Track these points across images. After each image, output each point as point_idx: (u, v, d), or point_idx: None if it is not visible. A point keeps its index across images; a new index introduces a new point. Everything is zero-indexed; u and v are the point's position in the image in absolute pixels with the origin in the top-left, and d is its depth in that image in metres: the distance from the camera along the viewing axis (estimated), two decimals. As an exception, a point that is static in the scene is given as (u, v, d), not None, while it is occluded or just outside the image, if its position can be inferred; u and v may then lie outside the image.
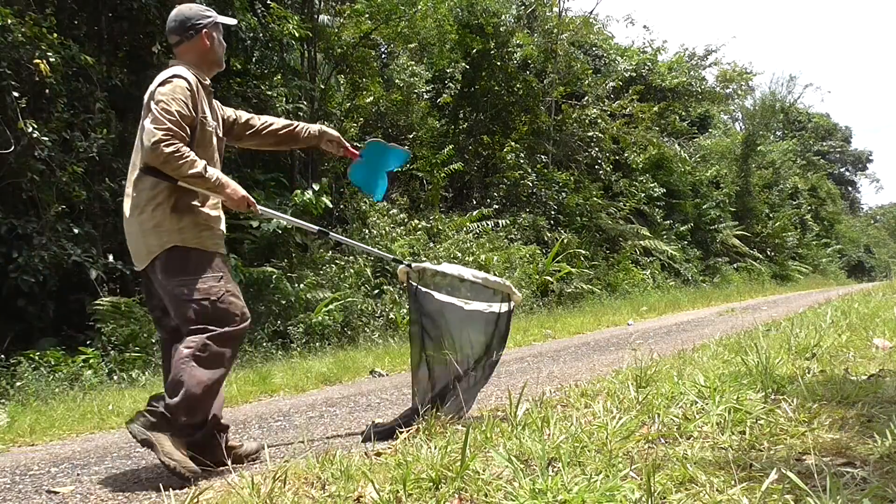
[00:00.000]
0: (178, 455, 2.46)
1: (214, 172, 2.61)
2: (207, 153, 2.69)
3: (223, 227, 2.79)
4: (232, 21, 2.94)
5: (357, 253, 9.48)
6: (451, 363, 2.97)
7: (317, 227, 3.20)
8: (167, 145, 2.45)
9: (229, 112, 2.98)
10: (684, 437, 2.14)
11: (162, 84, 2.59)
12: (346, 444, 2.93)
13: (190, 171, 2.50)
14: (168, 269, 2.59)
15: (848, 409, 2.30)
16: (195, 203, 2.64)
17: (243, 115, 3.04)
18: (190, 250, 2.60)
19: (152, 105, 2.53)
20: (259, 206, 2.84)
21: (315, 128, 3.17)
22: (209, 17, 2.78)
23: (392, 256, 3.78)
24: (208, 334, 2.55)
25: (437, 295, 3.08)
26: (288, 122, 3.15)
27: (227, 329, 2.60)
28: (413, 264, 3.17)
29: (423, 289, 3.09)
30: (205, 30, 2.75)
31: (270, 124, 3.09)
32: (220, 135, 2.87)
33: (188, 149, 2.53)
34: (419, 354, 3.04)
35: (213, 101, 2.82)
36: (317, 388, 5.18)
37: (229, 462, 2.53)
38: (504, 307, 3.26)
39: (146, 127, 2.50)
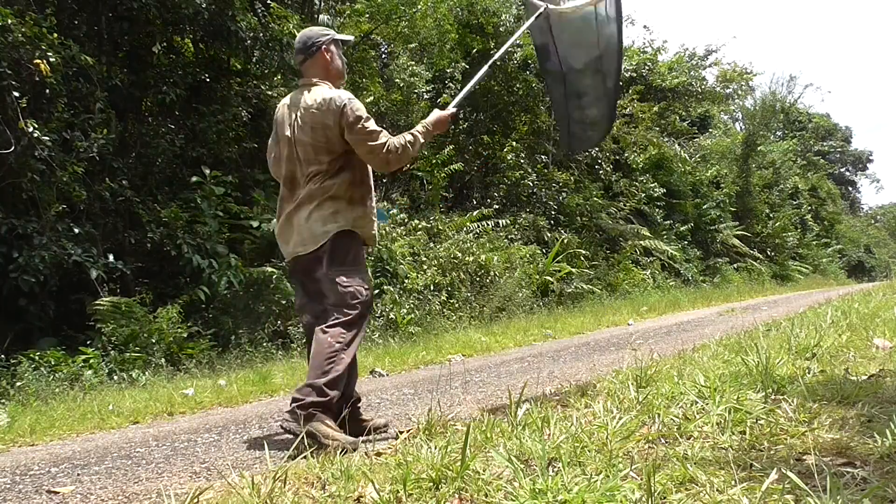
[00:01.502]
0: (338, 434, 2.75)
1: (415, 133, 3.07)
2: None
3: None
4: (349, 38, 3.34)
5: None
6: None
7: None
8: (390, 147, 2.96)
9: None
10: (684, 437, 2.14)
11: (329, 103, 2.94)
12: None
13: (415, 148, 3.03)
14: (334, 255, 2.93)
15: (848, 409, 2.30)
16: (365, 197, 3.09)
17: None
18: (356, 236, 3.01)
19: (360, 123, 2.92)
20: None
21: None
22: (327, 34, 3.12)
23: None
24: (351, 316, 2.89)
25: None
26: None
27: (364, 312, 2.96)
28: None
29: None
30: (324, 46, 3.07)
31: None
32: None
33: (394, 137, 3.00)
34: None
35: None
36: (317, 388, 5.17)
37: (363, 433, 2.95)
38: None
39: (370, 145, 2.94)
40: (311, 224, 2.94)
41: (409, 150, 2.98)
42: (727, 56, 64.36)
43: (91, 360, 6.00)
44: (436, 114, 3.14)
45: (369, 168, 3.11)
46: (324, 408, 2.77)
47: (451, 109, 3.20)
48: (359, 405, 3.15)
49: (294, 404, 2.80)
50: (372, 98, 12.10)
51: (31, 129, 6.23)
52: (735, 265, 20.99)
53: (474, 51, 14.04)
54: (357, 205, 3.02)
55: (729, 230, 21.59)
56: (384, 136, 2.94)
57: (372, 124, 2.95)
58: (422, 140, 3.04)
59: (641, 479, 1.66)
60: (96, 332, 6.46)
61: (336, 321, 2.87)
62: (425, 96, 13.85)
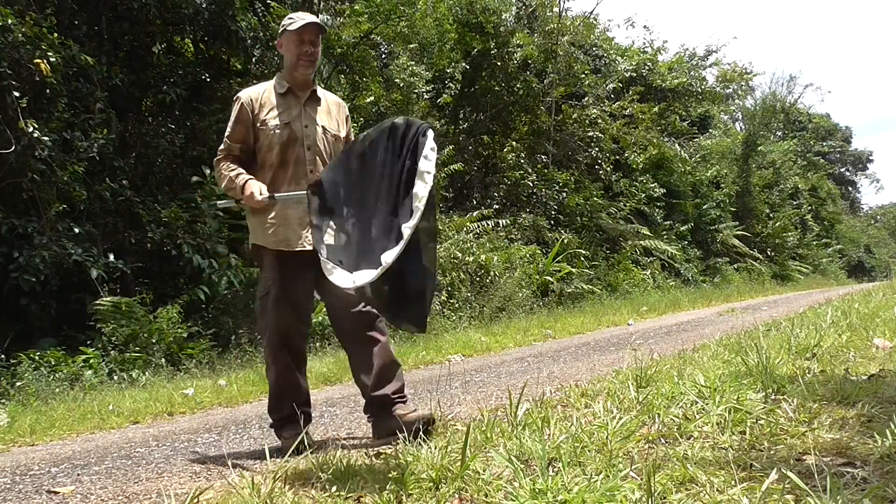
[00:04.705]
0: (415, 416, 2.77)
1: (231, 177, 2.93)
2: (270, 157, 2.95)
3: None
4: (301, 24, 2.93)
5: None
6: None
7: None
8: None
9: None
10: (684, 437, 2.14)
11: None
12: (347, 444, 2.93)
13: (221, 184, 3.03)
14: None
15: (848, 409, 2.30)
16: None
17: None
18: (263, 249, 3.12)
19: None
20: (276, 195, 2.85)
21: None
22: (283, 25, 2.99)
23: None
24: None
25: None
26: None
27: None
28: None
29: None
30: (280, 39, 3.01)
31: None
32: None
33: (223, 161, 2.97)
34: None
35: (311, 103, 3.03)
36: (317, 388, 5.18)
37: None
38: None
39: None
40: None
41: (220, 179, 2.95)
42: (727, 56, 64.34)
43: (91, 360, 6.01)
44: (254, 186, 2.78)
45: (283, 168, 2.91)
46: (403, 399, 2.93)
47: (268, 198, 2.78)
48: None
49: (397, 396, 2.88)
50: (372, 98, 12.10)
51: (31, 129, 6.24)
52: (735, 265, 20.99)
53: (474, 51, 14.04)
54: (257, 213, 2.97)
55: (729, 230, 21.59)
56: (220, 154, 2.97)
57: (226, 134, 2.97)
58: (224, 185, 2.91)
59: (641, 479, 1.67)
60: (96, 332, 6.47)
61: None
62: (425, 96, 13.85)
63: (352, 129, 3.18)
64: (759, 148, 25.08)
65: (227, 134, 2.96)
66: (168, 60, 8.71)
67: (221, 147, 2.97)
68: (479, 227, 12.30)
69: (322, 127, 2.98)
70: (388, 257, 2.16)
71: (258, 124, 2.92)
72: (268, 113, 2.93)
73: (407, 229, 2.16)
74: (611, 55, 18.79)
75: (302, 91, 2.99)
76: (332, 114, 3.06)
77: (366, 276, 2.22)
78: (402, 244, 2.15)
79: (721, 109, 25.98)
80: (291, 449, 2.37)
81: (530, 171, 14.44)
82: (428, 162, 2.29)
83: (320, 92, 3.07)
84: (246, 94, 2.96)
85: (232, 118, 2.95)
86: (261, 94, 2.96)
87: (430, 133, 2.36)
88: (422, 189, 2.24)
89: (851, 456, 1.82)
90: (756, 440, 2.03)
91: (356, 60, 11.27)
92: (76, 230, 6.76)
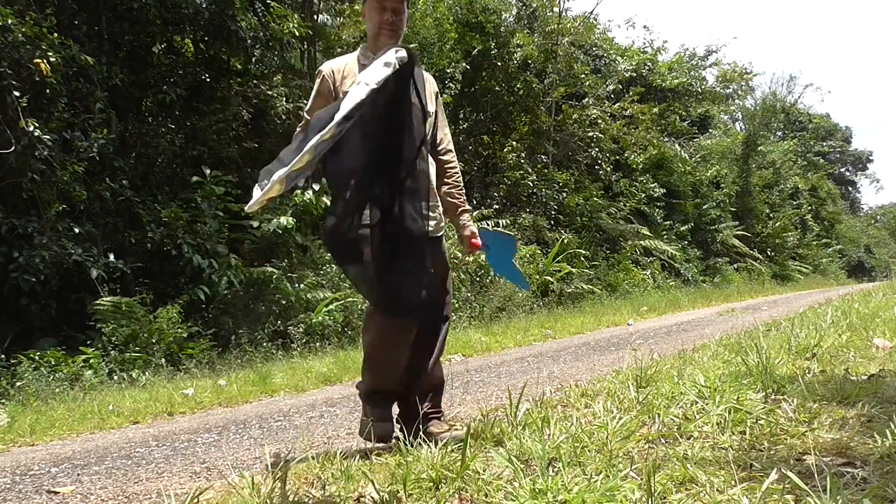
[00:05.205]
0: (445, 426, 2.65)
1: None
2: None
3: None
4: None
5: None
6: None
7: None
8: None
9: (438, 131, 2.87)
10: (684, 437, 2.13)
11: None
12: (347, 444, 2.93)
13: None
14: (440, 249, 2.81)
15: (848, 409, 2.30)
16: None
17: (443, 140, 2.89)
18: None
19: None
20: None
21: (464, 217, 2.94)
22: None
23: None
24: None
25: None
26: (456, 185, 2.90)
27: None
28: None
29: None
30: (363, 7, 2.76)
31: (445, 170, 2.88)
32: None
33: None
34: None
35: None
36: (317, 388, 5.18)
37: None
38: None
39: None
40: None
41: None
42: (727, 56, 64.35)
43: (91, 360, 6.01)
44: None
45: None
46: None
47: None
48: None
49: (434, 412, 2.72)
50: (372, 98, 12.08)
51: (31, 129, 6.24)
52: (735, 265, 20.99)
53: (474, 51, 14.03)
54: None
55: (729, 230, 21.59)
56: (299, 129, 2.52)
57: (306, 109, 2.79)
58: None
59: (641, 479, 1.66)
60: (96, 331, 6.47)
61: None
62: (425, 96, 13.83)
63: (442, 108, 2.91)
64: (759, 148, 25.08)
65: (306, 108, 2.81)
66: (168, 60, 8.71)
67: (301, 123, 2.68)
68: (479, 227, 12.29)
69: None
70: (288, 158, 2.04)
71: (340, 96, 2.61)
72: (350, 84, 2.63)
73: (317, 137, 2.02)
74: (611, 55, 18.79)
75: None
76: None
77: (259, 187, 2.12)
78: (306, 147, 2.01)
79: (721, 109, 25.96)
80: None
81: (530, 171, 14.44)
82: (374, 71, 2.15)
83: None
84: (328, 67, 2.78)
85: (313, 92, 2.77)
86: (343, 66, 2.76)
87: (400, 52, 2.22)
88: (352, 93, 2.12)
89: (851, 456, 1.82)
90: (756, 440, 2.03)
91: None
92: (76, 230, 6.76)
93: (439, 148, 2.84)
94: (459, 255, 10.48)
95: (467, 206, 2.94)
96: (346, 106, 2.10)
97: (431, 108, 2.76)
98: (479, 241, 2.89)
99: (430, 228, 2.62)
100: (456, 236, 3.09)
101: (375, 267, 2.37)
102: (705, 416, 2.29)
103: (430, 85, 2.81)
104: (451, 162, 2.88)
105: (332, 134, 2.06)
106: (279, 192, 2.14)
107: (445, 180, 2.87)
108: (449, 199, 2.88)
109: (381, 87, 2.18)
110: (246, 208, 2.29)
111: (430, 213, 2.62)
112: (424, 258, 2.47)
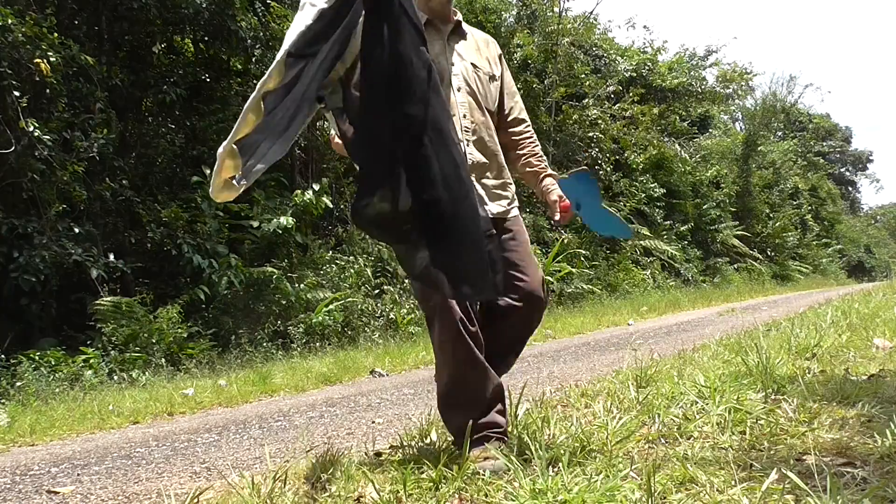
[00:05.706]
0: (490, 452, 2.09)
1: None
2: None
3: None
4: None
5: (357, 254, 9.49)
6: None
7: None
8: None
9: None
10: (684, 437, 2.13)
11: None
12: (347, 444, 2.93)
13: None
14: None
15: (848, 409, 2.30)
16: None
17: (514, 109, 2.59)
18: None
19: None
20: None
21: (546, 182, 2.58)
22: None
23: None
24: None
25: None
26: (533, 153, 2.60)
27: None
28: None
29: None
30: None
31: (518, 143, 2.59)
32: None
33: None
34: None
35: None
36: (317, 388, 5.18)
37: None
38: None
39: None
40: None
41: None
42: (727, 56, 64.37)
43: (91, 360, 6.01)
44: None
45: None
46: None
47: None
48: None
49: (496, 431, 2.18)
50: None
51: (31, 129, 6.24)
52: (735, 265, 20.98)
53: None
54: None
55: (729, 230, 21.58)
56: None
57: None
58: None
59: (641, 479, 1.66)
60: (97, 331, 6.47)
61: None
62: (425, 96, 13.84)
63: (509, 73, 2.58)
64: (759, 148, 25.07)
65: None
66: (168, 60, 8.71)
67: None
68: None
69: (472, 64, 2.43)
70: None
71: None
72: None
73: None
74: (611, 55, 18.78)
75: (444, 24, 2.43)
76: (481, 51, 2.49)
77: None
78: (245, 106, 1.71)
79: (721, 109, 25.95)
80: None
81: (530, 171, 14.43)
82: None
83: (466, 27, 2.50)
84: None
85: None
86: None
87: None
88: (295, 21, 1.86)
89: (851, 456, 1.82)
90: (756, 440, 2.03)
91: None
92: (76, 230, 6.76)
93: (509, 119, 2.55)
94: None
95: (549, 171, 2.59)
96: (289, 38, 1.76)
97: (496, 70, 2.49)
98: (567, 203, 2.49)
99: (500, 209, 2.40)
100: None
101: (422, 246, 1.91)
102: (705, 416, 2.29)
103: (492, 46, 2.54)
104: (525, 133, 2.59)
105: (277, 80, 1.73)
106: (234, 168, 1.84)
107: (518, 152, 2.59)
108: (527, 168, 2.60)
109: (335, 5, 1.83)
110: (211, 195, 2.03)
111: (501, 192, 2.42)
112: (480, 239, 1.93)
